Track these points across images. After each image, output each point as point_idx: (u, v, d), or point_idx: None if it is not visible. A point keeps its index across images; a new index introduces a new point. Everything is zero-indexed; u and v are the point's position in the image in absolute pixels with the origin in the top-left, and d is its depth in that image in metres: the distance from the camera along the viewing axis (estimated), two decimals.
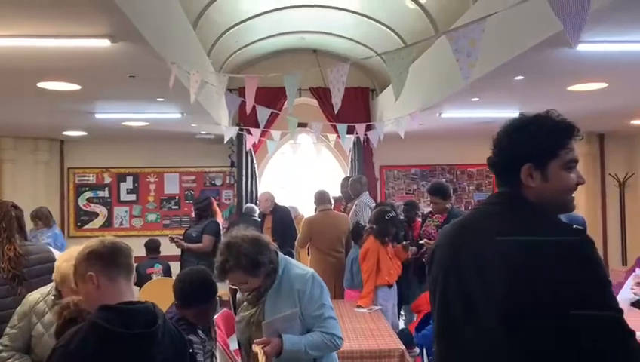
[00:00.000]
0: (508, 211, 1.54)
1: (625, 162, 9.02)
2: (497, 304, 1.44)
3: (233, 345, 3.72)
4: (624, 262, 8.83)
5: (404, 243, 5.18)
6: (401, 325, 5.52)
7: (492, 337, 1.45)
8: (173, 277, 5.50)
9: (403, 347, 3.61)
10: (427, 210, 6.36)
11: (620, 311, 1.39)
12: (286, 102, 4.41)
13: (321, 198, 6.07)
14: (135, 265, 2.08)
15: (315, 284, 2.52)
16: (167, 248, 6.44)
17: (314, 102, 8.75)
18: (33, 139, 8.53)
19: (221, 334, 3.47)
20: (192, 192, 9.05)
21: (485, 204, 1.65)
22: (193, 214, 6.37)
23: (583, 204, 8.62)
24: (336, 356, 2.72)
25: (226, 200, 9.16)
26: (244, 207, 8.01)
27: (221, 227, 6.13)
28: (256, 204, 7.86)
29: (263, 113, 5.23)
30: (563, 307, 1.37)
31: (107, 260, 1.90)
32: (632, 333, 1.40)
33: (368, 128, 6.97)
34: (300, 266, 2.64)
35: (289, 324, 2.44)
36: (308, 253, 6.23)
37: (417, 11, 6.51)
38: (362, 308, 4.64)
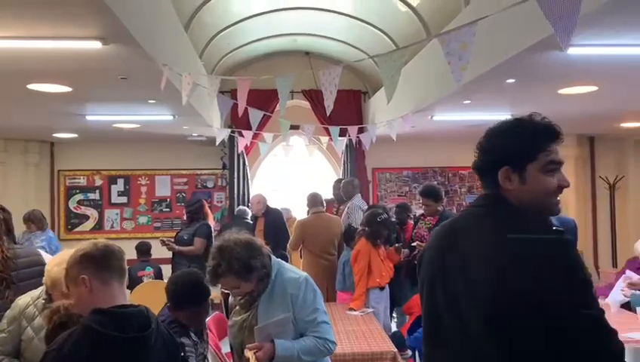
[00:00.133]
0: (490, 213, 1.57)
1: (615, 165, 9.09)
2: (479, 305, 1.46)
3: (225, 348, 3.71)
4: (614, 264, 8.89)
5: (396, 245, 5.19)
6: (394, 327, 5.52)
7: (476, 339, 1.47)
8: (165, 280, 5.50)
9: (395, 349, 3.61)
10: (419, 212, 6.37)
11: (601, 311, 1.40)
12: (278, 105, 4.41)
13: (314, 201, 6.07)
14: (126, 267, 2.07)
15: (308, 288, 2.50)
16: (158, 251, 6.41)
17: (306, 104, 8.75)
18: (23, 140, 8.46)
19: (213, 337, 3.46)
20: (184, 195, 9.02)
21: (472, 206, 1.67)
22: (185, 217, 6.34)
23: (573, 207, 8.68)
24: (329, 359, 2.71)
25: (217, 202, 9.14)
26: (236, 209, 7.99)
27: (213, 229, 6.10)
28: (248, 206, 7.84)
29: (255, 115, 5.22)
30: (540, 308, 1.38)
31: (100, 263, 1.89)
32: (614, 332, 1.40)
33: (360, 130, 6.98)
34: (294, 270, 2.62)
35: (282, 329, 2.42)
36: (300, 256, 6.22)
37: (409, 14, 6.53)
38: (354, 310, 4.64)
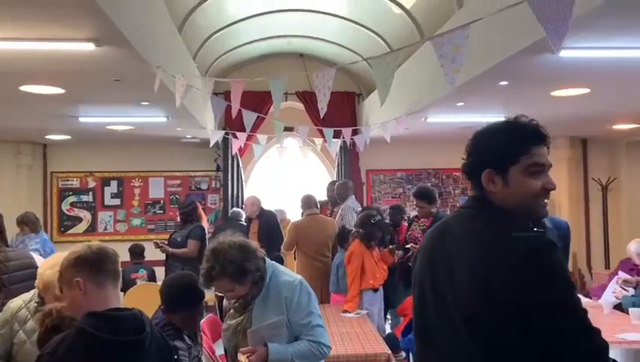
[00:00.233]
0: (475, 215, 1.59)
1: (607, 166, 9.14)
2: (462, 306, 1.49)
3: (219, 351, 3.69)
4: (607, 266, 8.94)
5: (390, 247, 5.19)
6: (388, 329, 5.52)
7: (462, 339, 1.49)
8: (158, 283, 5.49)
9: (389, 351, 3.61)
10: (413, 213, 6.38)
11: (582, 312, 1.41)
12: (272, 106, 4.41)
13: (308, 203, 6.07)
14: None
15: (302, 292, 2.49)
16: (152, 253, 6.38)
17: (300, 106, 8.76)
18: (15, 142, 8.42)
19: (207, 339, 3.45)
20: (178, 196, 8.99)
21: (461, 207, 1.70)
22: (178, 219, 6.32)
23: (566, 208, 8.72)
24: None
25: (211, 204, 9.12)
26: (230, 211, 7.97)
27: (206, 231, 6.09)
28: (242, 208, 7.83)
29: (249, 117, 5.22)
30: (518, 309, 1.39)
31: (94, 266, 1.88)
32: (595, 332, 1.41)
33: (354, 132, 6.99)
34: (288, 273, 2.60)
35: (275, 332, 2.40)
36: (294, 258, 6.22)
37: (403, 16, 6.55)
38: (349, 312, 4.64)
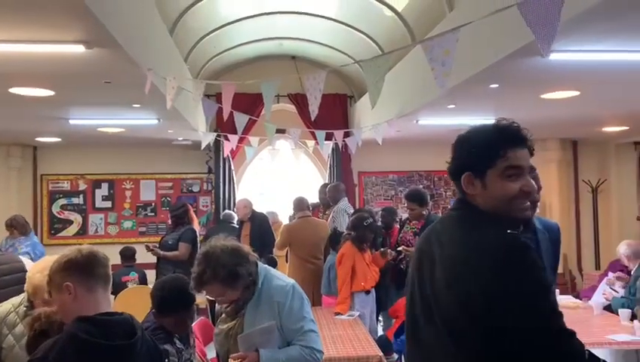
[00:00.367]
0: (457, 217, 1.63)
1: (597, 168, 9.21)
2: (439, 306, 1.53)
3: (210, 354, 3.68)
4: (597, 267, 9.00)
5: (381, 249, 5.19)
6: (380, 331, 5.53)
7: (442, 338, 1.52)
8: (149, 286, 5.46)
9: (381, 353, 3.62)
10: (405, 215, 6.40)
11: (551, 314, 1.41)
12: (264, 109, 4.40)
13: (300, 205, 6.07)
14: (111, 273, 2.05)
15: (295, 296, 2.46)
16: (143, 256, 6.35)
17: (292, 108, 8.76)
18: (5, 145, 8.36)
19: (198, 343, 3.44)
20: (169, 199, 8.96)
21: (449, 209, 1.74)
22: (169, 221, 6.30)
23: (557, 210, 8.78)
24: None
25: (203, 206, 9.09)
26: (222, 213, 7.95)
27: (198, 234, 6.07)
28: (234, 210, 7.81)
29: (241, 119, 5.21)
30: (487, 310, 1.41)
31: (85, 270, 1.87)
32: (568, 334, 1.42)
33: (346, 134, 7.00)
34: (281, 277, 2.57)
35: (267, 338, 2.38)
36: (286, 260, 6.21)
37: (394, 19, 6.57)
38: (341, 314, 4.64)
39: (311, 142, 7.72)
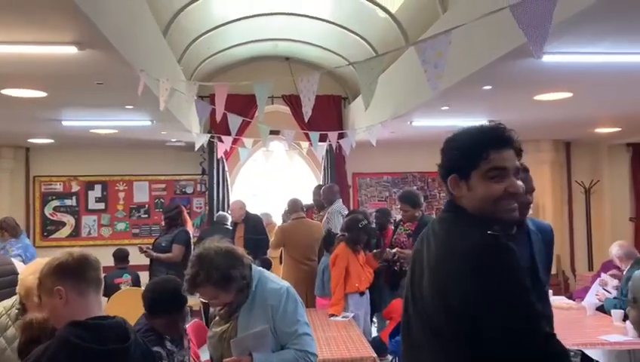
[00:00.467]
0: (445, 219, 1.66)
1: (590, 169, 9.25)
2: (425, 305, 1.56)
3: (204, 356, 3.67)
4: (590, 268, 9.03)
5: (374, 251, 5.19)
6: (374, 333, 5.52)
7: (429, 339, 1.55)
8: (142, 288, 5.42)
9: (375, 355, 3.62)
10: (399, 217, 6.40)
11: (531, 315, 1.42)
12: (257, 110, 4.40)
13: (294, 206, 6.06)
14: (103, 275, 2.02)
15: (289, 299, 2.44)
16: (136, 258, 6.33)
17: (286, 109, 8.75)
18: None
19: (192, 346, 3.42)
20: (162, 200, 8.92)
21: (441, 211, 1.75)
22: (163, 223, 6.28)
23: (550, 211, 8.81)
24: None
25: (197, 208, 9.07)
26: (216, 215, 7.93)
27: (191, 236, 6.05)
28: (227, 212, 7.79)
29: (235, 121, 5.20)
30: (466, 310, 1.43)
31: (76, 274, 1.84)
32: (543, 336, 1.42)
33: (340, 136, 7.00)
34: (275, 280, 2.56)
35: (260, 342, 2.36)
36: (280, 262, 6.21)
37: (388, 21, 6.58)
38: (336, 316, 4.63)
39: (305, 144, 7.72)
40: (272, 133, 6.18)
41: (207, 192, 8.92)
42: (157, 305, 2.67)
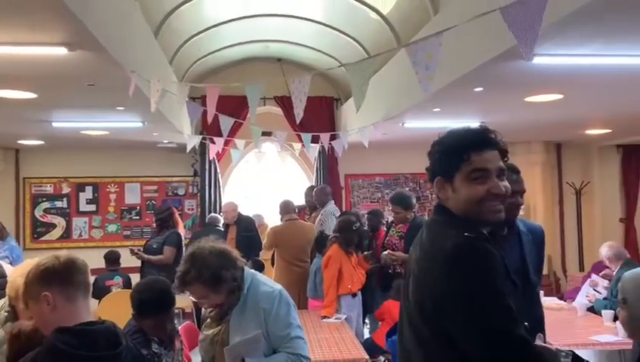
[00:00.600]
0: (432, 221, 1.68)
1: (581, 171, 9.31)
2: (409, 307, 1.60)
3: (195, 359, 3.65)
4: (581, 268, 9.09)
5: (365, 253, 5.19)
6: (366, 334, 5.52)
7: (413, 339, 1.59)
8: None
9: (367, 356, 3.62)
10: (392, 218, 6.40)
11: (503, 317, 1.42)
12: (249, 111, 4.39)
13: (286, 208, 6.06)
14: (94, 277, 2.00)
15: (281, 303, 2.43)
16: (128, 260, 6.29)
17: (278, 110, 8.74)
18: None
19: (184, 349, 3.40)
20: (154, 202, 8.88)
21: (431, 214, 1.78)
22: (154, 225, 6.25)
23: (541, 211, 8.86)
24: None
25: (188, 210, 9.03)
26: (208, 216, 7.91)
27: (183, 238, 6.02)
28: (219, 213, 7.77)
29: (226, 122, 5.19)
30: (439, 311, 1.47)
31: (63, 278, 1.78)
32: (517, 341, 1.41)
33: (333, 137, 7.00)
34: (268, 283, 2.54)
35: (253, 347, 2.35)
36: (272, 264, 6.19)
37: (380, 22, 6.58)
38: (328, 318, 4.63)
39: (297, 145, 7.71)
40: (264, 134, 6.18)
41: (199, 194, 8.89)
42: (144, 305, 2.66)
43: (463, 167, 1.56)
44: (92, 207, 8.85)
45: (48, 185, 8.78)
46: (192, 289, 2.39)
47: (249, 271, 2.51)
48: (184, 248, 5.68)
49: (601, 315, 4.43)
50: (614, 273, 4.92)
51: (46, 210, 8.77)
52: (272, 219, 7.60)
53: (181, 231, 6.07)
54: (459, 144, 1.59)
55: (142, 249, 5.89)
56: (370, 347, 4.52)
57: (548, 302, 4.96)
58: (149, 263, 5.68)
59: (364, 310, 5.22)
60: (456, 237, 1.49)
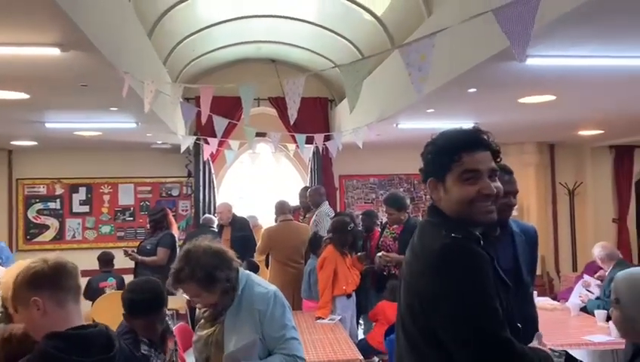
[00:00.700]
0: (424, 222, 1.69)
1: (574, 171, 9.36)
2: (400, 307, 1.63)
3: (190, 360, 3.64)
4: (574, 268, 9.13)
5: (359, 254, 5.19)
6: (360, 335, 5.53)
7: (403, 339, 1.61)
8: None
9: (361, 357, 3.63)
10: (386, 219, 6.41)
11: (487, 318, 1.42)
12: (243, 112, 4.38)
13: (282, 208, 6.05)
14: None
15: (277, 304, 2.43)
16: (121, 261, 6.27)
17: (273, 111, 8.73)
18: None
19: (178, 349, 3.39)
20: (148, 203, 8.85)
21: (425, 215, 1.79)
22: (148, 226, 6.23)
23: (534, 212, 8.90)
24: None
25: (182, 211, 9.01)
26: (202, 217, 7.89)
27: (177, 239, 6.01)
28: (214, 214, 7.76)
29: (220, 123, 5.18)
30: (424, 311, 1.49)
31: (53, 283, 1.73)
32: (499, 343, 1.42)
33: (327, 138, 7.00)
34: (262, 284, 2.54)
35: (250, 352, 2.36)
36: (267, 266, 6.18)
37: (374, 24, 6.60)
38: (322, 319, 4.63)
39: (292, 146, 7.70)
40: (259, 135, 6.16)
41: (193, 195, 8.87)
42: (135, 305, 2.65)
43: (454, 168, 1.57)
44: (85, 208, 8.81)
45: (41, 186, 8.74)
46: (186, 288, 2.39)
47: (244, 272, 2.50)
48: (178, 249, 5.66)
49: (594, 315, 4.45)
50: (607, 273, 4.94)
51: (39, 211, 8.72)
52: (267, 220, 7.59)
53: (175, 232, 6.05)
54: (450, 145, 1.59)
55: (136, 250, 5.86)
56: (365, 348, 4.52)
57: (541, 302, 4.99)
58: (143, 264, 5.66)
59: (358, 311, 5.22)
60: (444, 238, 1.50)
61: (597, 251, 5.07)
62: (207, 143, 7.00)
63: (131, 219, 8.90)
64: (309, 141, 6.89)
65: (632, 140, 8.54)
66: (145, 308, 2.64)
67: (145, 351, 2.60)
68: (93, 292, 6.11)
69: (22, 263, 2.01)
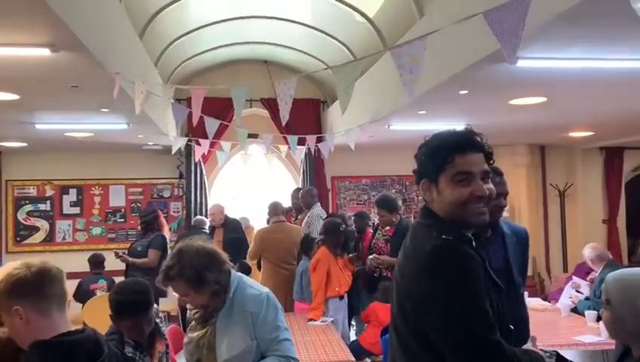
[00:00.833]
0: (417, 224, 1.70)
1: (565, 172, 9.42)
2: (393, 308, 1.64)
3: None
4: (565, 269, 9.18)
5: (350, 255, 5.19)
6: (353, 336, 5.53)
7: (396, 340, 1.63)
8: None
9: (353, 358, 3.63)
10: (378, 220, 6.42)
11: (477, 320, 1.43)
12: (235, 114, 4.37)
13: (275, 210, 6.04)
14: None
15: (269, 306, 2.43)
16: (112, 263, 6.23)
17: (265, 112, 8.72)
18: None
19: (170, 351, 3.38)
20: (139, 205, 8.81)
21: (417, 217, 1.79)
22: (139, 227, 6.20)
23: (525, 213, 8.94)
24: None
25: (174, 212, 8.97)
26: (194, 219, 7.86)
27: (168, 240, 5.98)
28: (205, 216, 7.73)
29: (212, 124, 5.17)
30: (414, 311, 1.50)
31: (35, 291, 1.67)
32: (488, 345, 1.43)
33: (319, 139, 7.00)
34: (255, 286, 2.53)
35: (246, 357, 2.35)
36: (259, 268, 6.17)
37: (366, 25, 6.61)
38: (314, 320, 4.62)
39: (284, 147, 7.69)
40: (251, 136, 6.15)
41: (184, 196, 8.84)
42: (121, 306, 2.64)
43: (447, 169, 1.57)
44: (76, 210, 8.75)
45: (31, 187, 8.67)
46: (175, 285, 2.38)
47: (236, 274, 2.49)
48: (169, 251, 5.64)
49: (584, 316, 4.48)
50: (597, 274, 4.98)
51: (29, 213, 8.65)
52: (259, 222, 7.58)
53: (166, 233, 6.03)
54: (444, 146, 1.60)
55: (127, 252, 5.83)
56: (357, 349, 4.53)
57: (532, 302, 5.01)
58: (134, 266, 5.63)
59: (350, 312, 5.22)
60: (435, 240, 1.50)
61: (587, 252, 5.10)
62: (199, 144, 6.98)
63: (122, 220, 8.85)
64: (301, 142, 6.89)
65: (622, 141, 8.60)
66: (131, 310, 2.63)
67: (129, 353, 2.57)
68: (83, 295, 6.08)
69: (12, 265, 1.98)
